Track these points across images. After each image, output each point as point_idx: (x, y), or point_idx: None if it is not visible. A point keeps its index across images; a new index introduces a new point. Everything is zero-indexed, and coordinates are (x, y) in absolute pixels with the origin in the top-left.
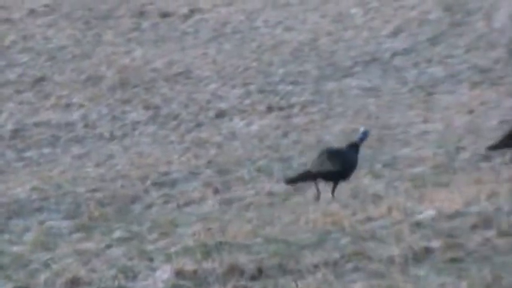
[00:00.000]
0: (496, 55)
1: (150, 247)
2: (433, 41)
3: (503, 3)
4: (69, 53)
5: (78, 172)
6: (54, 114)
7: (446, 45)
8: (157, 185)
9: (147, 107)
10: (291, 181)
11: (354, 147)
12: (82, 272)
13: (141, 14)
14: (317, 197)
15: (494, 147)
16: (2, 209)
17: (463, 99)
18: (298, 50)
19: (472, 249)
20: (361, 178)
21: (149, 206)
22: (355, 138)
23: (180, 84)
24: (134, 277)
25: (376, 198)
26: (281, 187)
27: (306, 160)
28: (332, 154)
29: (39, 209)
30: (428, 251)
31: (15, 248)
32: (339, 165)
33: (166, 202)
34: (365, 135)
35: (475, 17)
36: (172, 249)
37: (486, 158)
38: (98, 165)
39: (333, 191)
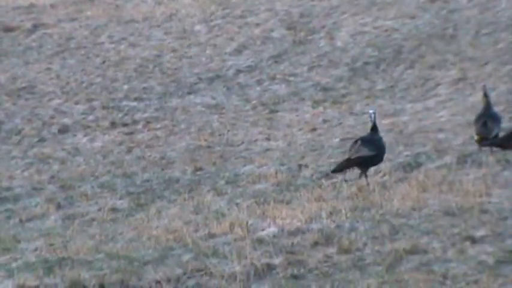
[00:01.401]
0: (338, 73)
1: None
2: (277, 58)
3: (345, 22)
4: None
5: None
6: None
7: (290, 63)
8: (0, 200)
9: None
10: (336, 171)
11: (375, 130)
12: None
13: None
14: (367, 184)
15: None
16: None
17: (306, 117)
18: (142, 67)
19: (313, 266)
20: (203, 195)
21: None
22: (370, 121)
23: (23, 99)
24: None
25: (219, 215)
26: (124, 203)
27: (150, 176)
28: (365, 140)
29: None
30: (270, 267)
31: None
32: (374, 149)
33: (8, 217)
34: (374, 113)
35: (317, 35)
36: (14, 265)
37: (327, 175)
38: None
39: (364, 175)
